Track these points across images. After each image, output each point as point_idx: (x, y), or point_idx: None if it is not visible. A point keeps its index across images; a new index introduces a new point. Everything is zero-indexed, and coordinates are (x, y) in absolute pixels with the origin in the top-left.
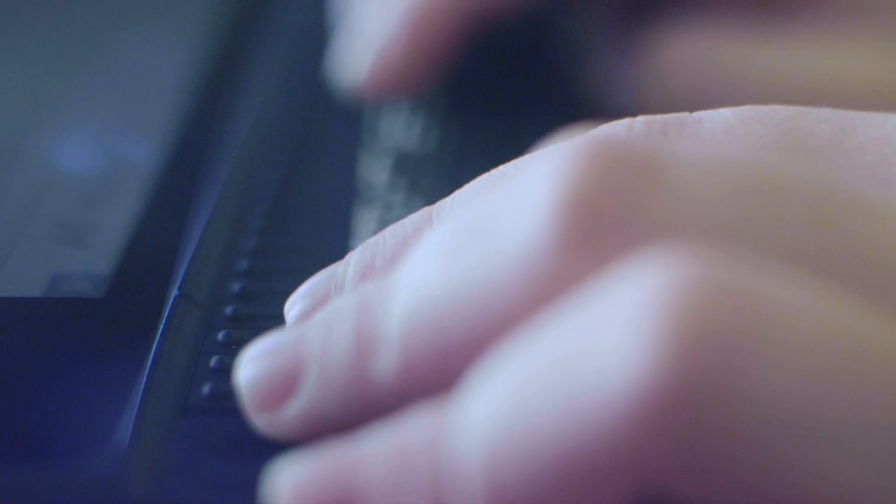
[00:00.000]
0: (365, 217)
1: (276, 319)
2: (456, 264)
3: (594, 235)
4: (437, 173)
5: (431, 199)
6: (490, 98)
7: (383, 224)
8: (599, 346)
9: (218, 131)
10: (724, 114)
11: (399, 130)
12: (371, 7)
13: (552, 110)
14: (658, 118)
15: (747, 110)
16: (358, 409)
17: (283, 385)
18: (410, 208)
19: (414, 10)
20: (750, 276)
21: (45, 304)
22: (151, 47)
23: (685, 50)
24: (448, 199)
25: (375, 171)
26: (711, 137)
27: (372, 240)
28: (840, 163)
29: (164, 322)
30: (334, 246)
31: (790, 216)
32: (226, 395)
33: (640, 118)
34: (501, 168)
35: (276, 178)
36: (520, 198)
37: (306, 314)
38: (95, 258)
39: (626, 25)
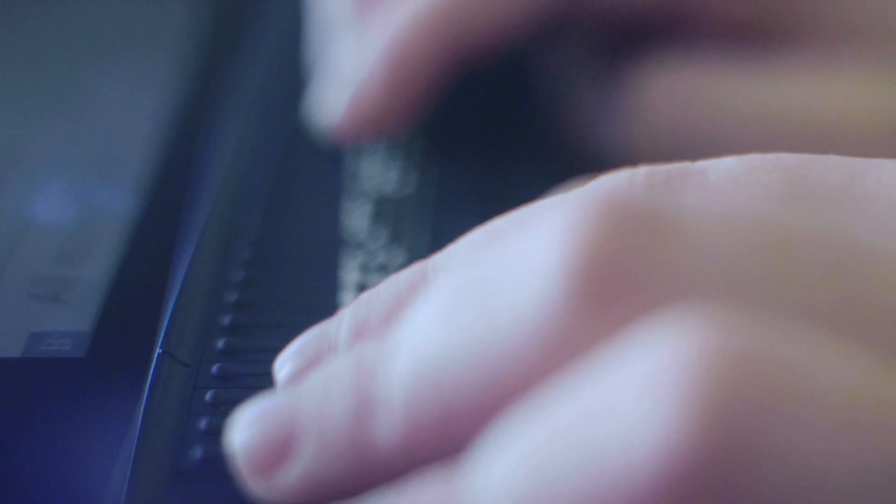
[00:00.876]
0: (347, 265)
1: (265, 378)
2: (461, 325)
3: (607, 298)
4: (418, 217)
5: (413, 244)
6: (470, 139)
7: (366, 272)
8: (621, 412)
9: (194, 178)
10: (728, 163)
11: (378, 173)
12: (348, 46)
13: (534, 151)
14: (660, 169)
15: (752, 159)
16: (358, 473)
17: (280, 449)
18: (392, 254)
19: (391, 49)
20: (769, 338)
21: (23, 364)
22: (123, 92)
23: (670, 85)
24: (444, 255)
25: (355, 216)
26: (717, 188)
27: (364, 296)
28: (851, 212)
29: (149, 382)
30: (317, 297)
31: (804, 272)
32: (218, 459)
33: (641, 169)
34: (498, 222)
35: (254, 227)
36: (526, 258)
37: (298, 374)
38: (74, 315)
39: (609, 62)
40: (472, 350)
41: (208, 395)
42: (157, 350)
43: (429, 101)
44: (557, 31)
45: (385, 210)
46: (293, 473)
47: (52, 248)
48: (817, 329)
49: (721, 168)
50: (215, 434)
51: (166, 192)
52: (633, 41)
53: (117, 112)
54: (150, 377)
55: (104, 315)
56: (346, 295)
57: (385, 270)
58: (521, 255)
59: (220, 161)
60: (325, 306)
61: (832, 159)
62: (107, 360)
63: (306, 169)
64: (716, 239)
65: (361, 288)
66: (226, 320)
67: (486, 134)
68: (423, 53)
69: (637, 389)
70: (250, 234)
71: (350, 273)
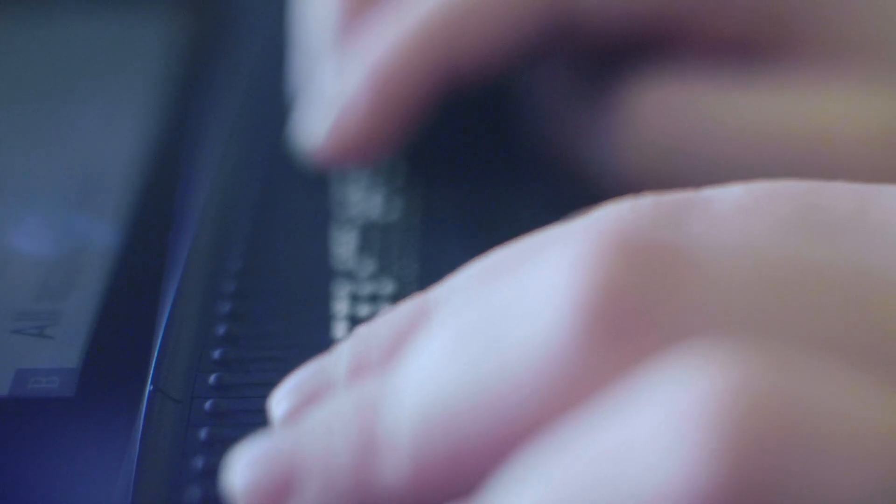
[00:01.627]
0: (337, 294)
1: (260, 414)
2: (469, 362)
3: (621, 334)
4: (405, 244)
5: (402, 272)
6: (456, 161)
7: (356, 302)
8: (646, 451)
9: (178, 207)
10: (734, 192)
11: (363, 198)
12: (332, 68)
13: (522, 172)
14: (666, 199)
15: (759, 188)
16: None
17: (282, 491)
18: (382, 283)
19: (376, 72)
20: (788, 375)
21: (11, 403)
22: (103, 118)
23: (662, 99)
24: (444, 289)
25: (342, 243)
26: (725, 218)
27: (362, 331)
28: (863, 241)
29: (142, 422)
30: (307, 328)
31: (817, 302)
32: (216, 501)
33: (646, 199)
34: (499, 256)
35: (240, 256)
36: (535, 293)
37: (296, 412)
38: (60, 351)
39: (598, 79)
40: (482, 387)
41: (203, 434)
42: (149, 387)
43: (415, 125)
44: (546, 51)
45: (372, 237)
46: None
47: (34, 281)
48: (833, 360)
49: (728, 197)
50: (213, 474)
51: (150, 220)
52: (623, 58)
53: (97, 139)
54: (142, 416)
55: (92, 350)
56: (338, 325)
57: (375, 300)
58: (529, 291)
59: (204, 188)
60: (316, 338)
61: (840, 186)
62: (97, 398)
63: (291, 195)
64: (727, 272)
65: (352, 318)
66: (216, 354)
67: (472, 156)
68: (410, 76)
69: (662, 429)
70: (236, 265)
71: (340, 303)
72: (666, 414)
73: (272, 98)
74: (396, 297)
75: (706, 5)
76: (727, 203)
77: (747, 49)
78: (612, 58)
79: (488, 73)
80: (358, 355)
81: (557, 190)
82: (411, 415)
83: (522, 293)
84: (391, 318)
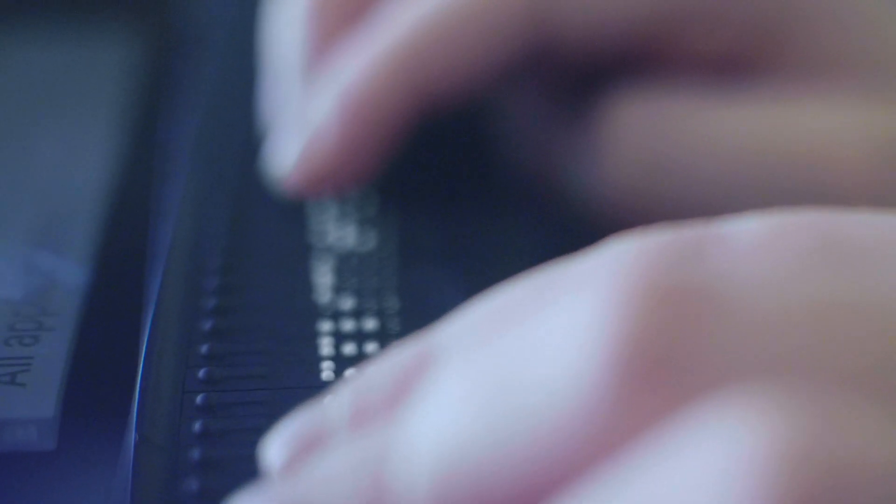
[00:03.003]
0: (319, 329)
1: (250, 461)
2: (490, 411)
3: (656, 384)
4: (384, 273)
5: (382, 304)
6: (431, 187)
7: (339, 339)
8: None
9: (146, 240)
10: (753, 226)
11: (338, 227)
12: (301, 92)
13: (500, 196)
14: (682, 235)
15: (778, 221)
16: None
17: None
18: (363, 317)
19: (349, 97)
20: (833, 420)
21: None
22: (64, 150)
23: (646, 115)
24: (448, 332)
25: (320, 273)
26: (746, 254)
27: (362, 375)
28: (889, 273)
29: (130, 475)
30: (290, 367)
31: (849, 339)
32: None
33: (660, 235)
34: (508, 295)
35: (214, 290)
36: (560, 339)
37: (294, 462)
38: (36, 399)
39: (579, 98)
40: (506, 437)
41: (193, 485)
42: (133, 435)
43: (389, 152)
44: (524, 69)
45: (348, 267)
46: None
47: (3, 325)
48: (868, 397)
49: (746, 231)
50: None
51: (119, 255)
52: (604, 74)
53: (60, 171)
54: (130, 468)
55: (69, 398)
56: (324, 365)
57: (358, 337)
58: (551, 337)
59: (174, 216)
60: (302, 380)
61: (860, 217)
62: (78, 450)
63: (263, 225)
64: (755, 313)
65: (338, 358)
66: (198, 399)
67: (448, 181)
68: (383, 101)
69: (714, 482)
70: (211, 301)
71: (322, 339)
72: (715, 466)
73: (240, 121)
74: (378, 332)
75: (696, 20)
76: (747, 237)
77: (736, 64)
78: (593, 74)
79: (465, 95)
80: (359, 401)
81: (538, 213)
82: (428, 466)
83: (544, 339)
84: (391, 361)
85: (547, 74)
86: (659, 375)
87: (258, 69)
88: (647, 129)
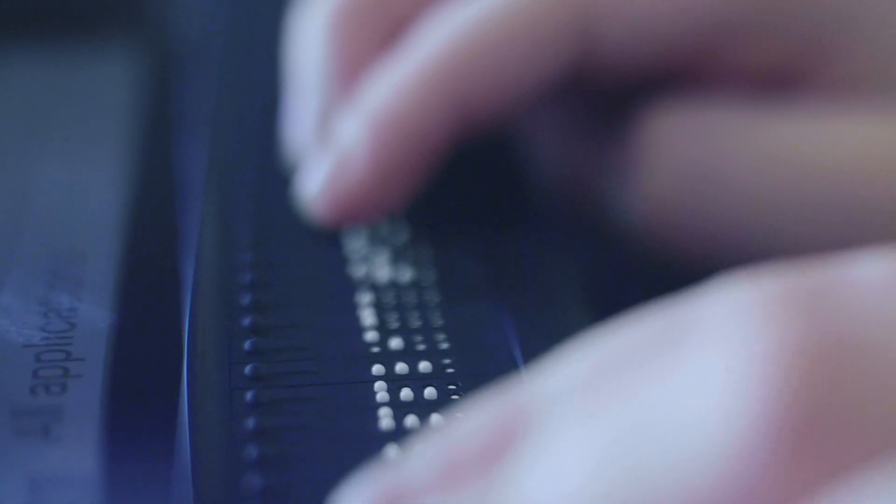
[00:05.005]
0: (369, 372)
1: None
2: (618, 477)
3: (812, 449)
4: (426, 308)
5: (431, 343)
6: (466, 210)
7: (393, 383)
8: None
9: (170, 271)
10: (877, 266)
11: (369, 256)
12: (327, 114)
13: (538, 218)
14: (806, 279)
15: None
16: None
17: None
18: (412, 356)
19: (378, 120)
20: None
21: None
22: (79, 180)
23: (687, 127)
24: (549, 384)
25: (359, 308)
26: (877, 298)
27: (447, 430)
28: None
29: None
30: (340, 419)
31: None
32: None
33: (774, 276)
34: (614, 347)
35: (248, 332)
36: (698, 402)
37: None
38: (72, 454)
39: (617, 110)
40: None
41: None
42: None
43: (423, 179)
44: (564, 86)
45: (388, 301)
46: None
47: (23, 374)
48: None
49: (870, 272)
50: None
51: (143, 292)
52: (645, 90)
53: (71, 201)
54: None
55: (107, 453)
56: (382, 413)
57: (409, 377)
58: (686, 399)
59: (196, 243)
60: (355, 438)
61: None
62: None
63: (291, 254)
64: None
65: (392, 394)
66: (253, 452)
67: (482, 204)
68: (420, 124)
69: None
70: (245, 339)
71: (375, 384)
72: None
73: (250, 129)
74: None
75: (742, 33)
76: (872, 278)
77: (780, 78)
78: (634, 88)
79: (507, 116)
80: (446, 458)
81: (576, 235)
82: None
83: (677, 399)
84: (477, 417)
85: (586, 89)
86: (816, 440)
87: (260, 78)
88: (690, 141)
